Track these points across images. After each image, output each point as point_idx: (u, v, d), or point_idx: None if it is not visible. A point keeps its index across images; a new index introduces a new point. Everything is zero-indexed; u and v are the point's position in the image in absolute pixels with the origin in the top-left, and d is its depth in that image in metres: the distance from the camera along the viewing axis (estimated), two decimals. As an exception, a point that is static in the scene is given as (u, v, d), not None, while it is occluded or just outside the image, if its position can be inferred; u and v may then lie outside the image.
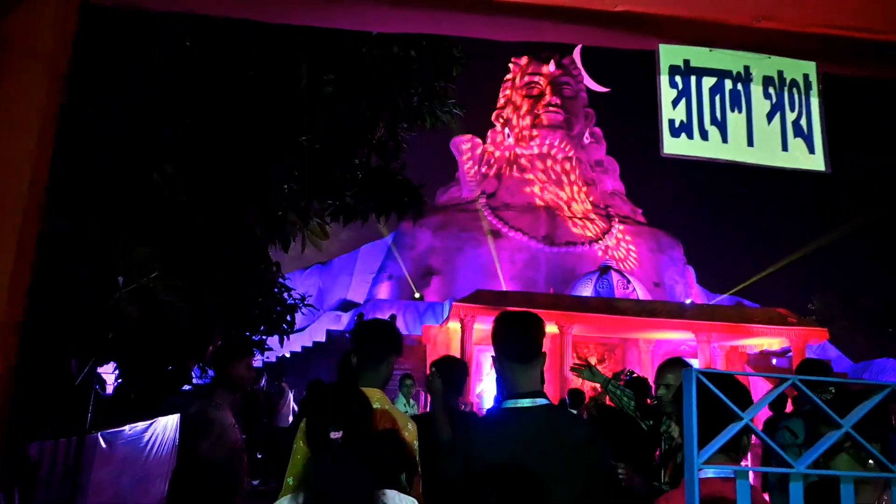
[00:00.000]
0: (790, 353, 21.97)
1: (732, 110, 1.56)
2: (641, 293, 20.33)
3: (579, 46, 34.13)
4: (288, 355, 20.95)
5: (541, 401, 2.11)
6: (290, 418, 11.53)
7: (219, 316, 5.28)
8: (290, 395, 12.08)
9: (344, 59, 4.81)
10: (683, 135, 1.53)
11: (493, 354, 2.29)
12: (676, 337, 20.51)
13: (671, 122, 1.53)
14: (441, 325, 21.13)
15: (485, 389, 21.08)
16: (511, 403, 2.11)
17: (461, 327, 17.68)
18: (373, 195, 6.21)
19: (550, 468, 1.91)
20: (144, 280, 4.22)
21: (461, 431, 2.20)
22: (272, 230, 5.65)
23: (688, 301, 20.52)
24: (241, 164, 4.89)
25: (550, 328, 18.63)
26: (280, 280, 6.40)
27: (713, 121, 1.55)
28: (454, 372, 3.63)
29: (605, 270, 20.55)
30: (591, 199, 31.36)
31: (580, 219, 29.90)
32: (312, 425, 2.00)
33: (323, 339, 21.92)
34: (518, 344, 2.15)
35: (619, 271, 20.96)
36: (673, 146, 1.54)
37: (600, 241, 28.82)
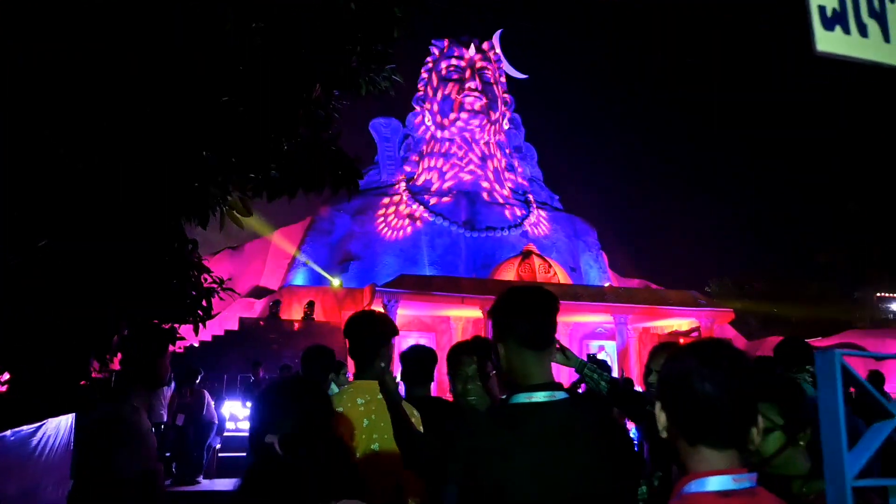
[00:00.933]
0: (696, 333, 23.09)
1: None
2: (562, 277, 20.61)
3: (499, 32, 34.23)
4: (197, 345, 19.67)
5: (560, 394, 1.73)
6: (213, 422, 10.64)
7: (122, 299, 4.55)
8: (208, 399, 10.88)
9: (277, 5, 4.19)
10: (838, 28, 1.16)
11: (496, 339, 1.89)
12: (595, 319, 20.99)
13: (821, 9, 1.15)
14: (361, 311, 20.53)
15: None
16: (525, 398, 1.71)
17: (384, 313, 17.19)
18: (301, 168, 5.59)
19: (587, 481, 1.53)
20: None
21: (459, 430, 1.78)
22: (187, 202, 4.95)
23: (606, 285, 21.05)
24: (148, 123, 4.18)
25: (473, 312, 18.51)
26: (196, 260, 5.67)
27: (871, 11, 1.18)
28: (421, 361, 3.28)
29: (527, 255, 20.66)
30: (510, 185, 31.58)
31: (500, 204, 30.03)
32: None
33: (235, 328, 20.75)
34: (540, 327, 1.75)
35: (540, 256, 21.14)
36: (827, 42, 1.16)
37: (520, 227, 29.08)
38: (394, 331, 2.64)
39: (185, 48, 4.02)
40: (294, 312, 22.99)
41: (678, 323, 20.80)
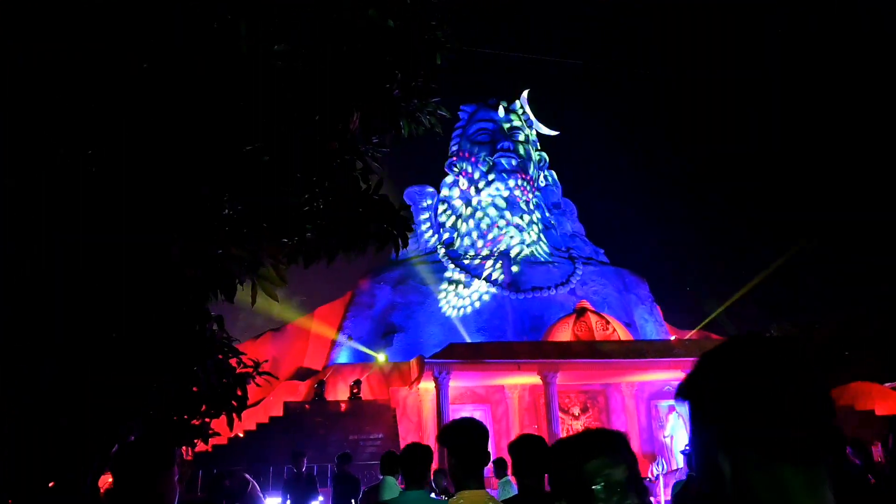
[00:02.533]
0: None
1: None
2: (622, 333, 19.19)
3: (525, 92, 34.19)
4: (241, 435, 18.70)
5: None
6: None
7: (135, 392, 3.66)
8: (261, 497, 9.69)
9: (299, 20, 3.44)
10: None
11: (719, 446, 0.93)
12: (661, 377, 19.33)
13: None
14: (411, 387, 19.38)
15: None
16: None
17: (435, 386, 16.01)
18: (340, 225, 4.71)
19: None
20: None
21: None
22: (209, 272, 4.11)
23: (672, 338, 19.51)
24: (156, 175, 3.41)
25: (531, 379, 17.17)
26: (224, 340, 4.78)
27: None
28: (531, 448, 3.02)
29: (581, 312, 19.38)
30: (551, 242, 30.62)
31: (543, 263, 28.99)
32: None
33: (280, 414, 19.75)
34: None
35: (596, 312, 19.82)
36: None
37: (566, 285, 27.87)
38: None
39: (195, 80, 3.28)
40: (340, 393, 21.96)
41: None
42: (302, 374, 27.89)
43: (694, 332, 31.08)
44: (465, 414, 20.98)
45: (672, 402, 20.66)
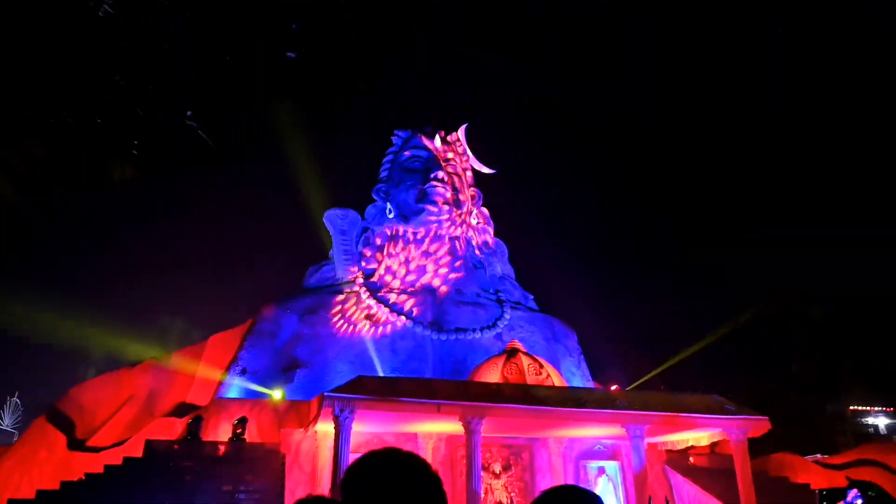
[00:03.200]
0: (714, 451, 19.34)
1: None
2: (556, 379, 16.94)
3: (464, 125, 32.67)
4: (83, 479, 14.78)
5: None
6: None
7: None
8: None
9: None
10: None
11: None
12: (596, 433, 17.14)
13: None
14: (307, 428, 16.21)
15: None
16: None
17: (335, 427, 13.02)
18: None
19: None
20: None
21: None
22: None
23: (613, 388, 17.50)
24: None
25: (451, 426, 14.50)
26: None
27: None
28: None
29: (512, 353, 17.05)
30: (480, 283, 28.49)
31: (470, 304, 26.69)
32: None
33: (139, 454, 15.98)
34: None
35: (529, 354, 17.55)
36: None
37: (493, 328, 25.64)
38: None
39: None
40: (223, 433, 18.42)
41: (697, 436, 17.11)
42: (182, 410, 23.78)
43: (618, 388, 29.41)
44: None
45: (602, 463, 18.44)
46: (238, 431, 16.75)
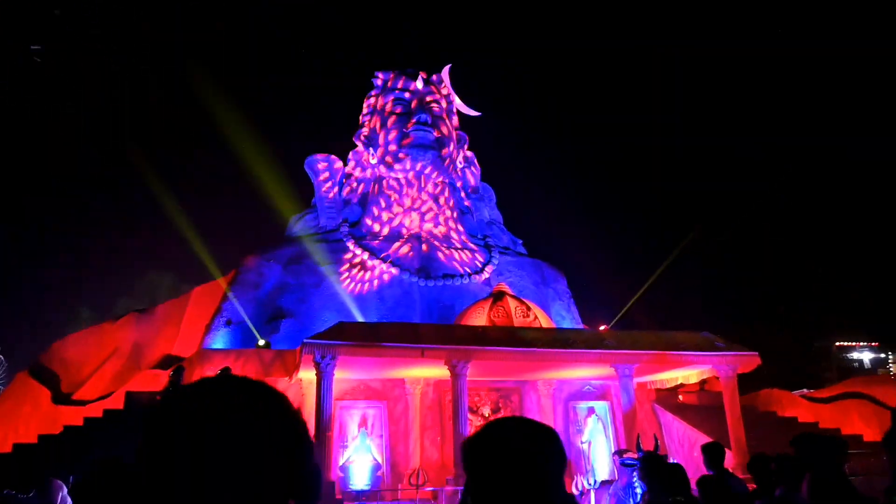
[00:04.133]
0: (703, 388, 19.31)
1: None
2: (544, 322, 16.66)
3: (448, 66, 31.46)
4: (62, 431, 14.49)
5: None
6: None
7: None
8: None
9: None
10: None
11: None
12: (586, 374, 16.98)
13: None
14: (291, 377, 15.93)
15: (351, 458, 15.97)
16: None
17: (317, 375, 12.68)
18: None
19: None
20: None
21: None
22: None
23: (602, 328, 17.26)
24: None
25: (437, 371, 14.21)
26: None
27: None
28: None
29: (499, 296, 16.68)
30: (467, 228, 27.97)
31: (457, 249, 26.23)
32: None
33: (120, 406, 15.69)
34: None
35: (516, 297, 17.19)
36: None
37: (481, 273, 25.26)
38: None
39: None
40: (207, 384, 18.10)
41: (686, 374, 17.00)
42: (168, 362, 23.50)
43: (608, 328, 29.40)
44: (355, 412, 17.81)
45: (591, 403, 18.38)
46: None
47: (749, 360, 14.88)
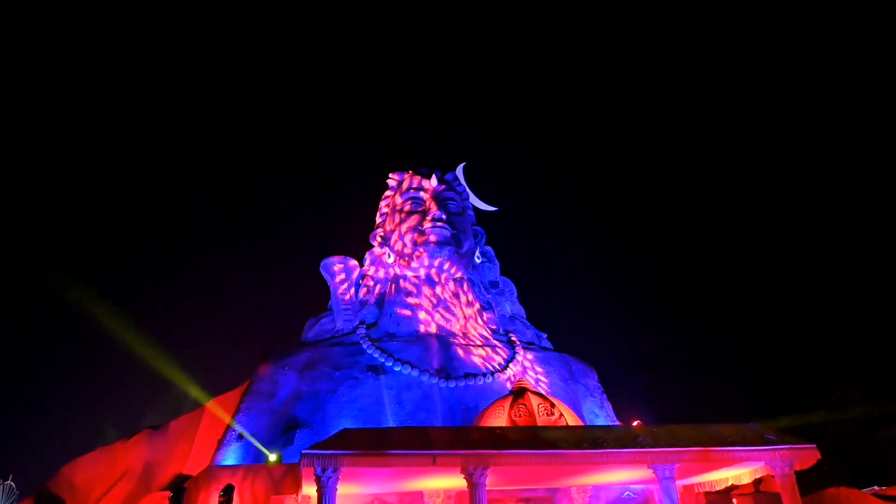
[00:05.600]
0: (759, 490, 17.26)
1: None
2: (571, 420, 15.22)
3: (462, 164, 31.86)
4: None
5: None
6: None
7: None
8: None
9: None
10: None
11: None
12: (622, 478, 15.25)
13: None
14: (296, 495, 14.61)
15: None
16: None
17: (318, 491, 11.44)
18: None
19: None
20: None
21: None
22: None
23: (635, 423, 15.70)
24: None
25: (454, 481, 12.81)
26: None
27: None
28: None
29: (520, 393, 15.42)
30: (489, 324, 26.96)
31: (479, 346, 25.11)
32: None
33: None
34: None
35: (538, 393, 15.88)
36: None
37: (505, 372, 23.95)
38: None
39: None
40: (213, 504, 16.81)
41: (737, 473, 15.14)
42: (179, 482, 22.21)
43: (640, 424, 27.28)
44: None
45: (633, 512, 16.45)
46: (222, 501, 15.15)
47: (807, 455, 13.15)
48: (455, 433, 12.36)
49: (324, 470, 11.14)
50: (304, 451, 11.37)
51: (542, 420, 14.34)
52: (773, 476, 15.28)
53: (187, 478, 22.03)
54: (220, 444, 22.60)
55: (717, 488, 16.57)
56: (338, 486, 11.50)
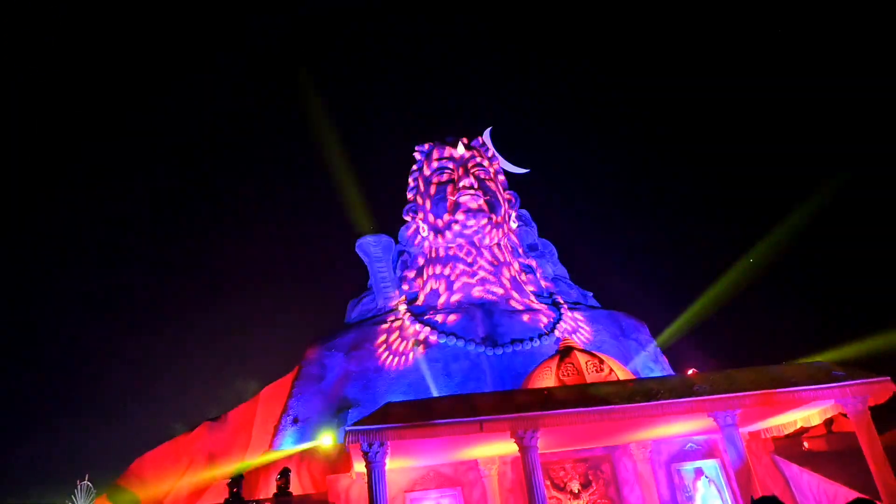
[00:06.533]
0: (831, 431, 16.37)
1: None
2: (621, 374, 14.64)
3: (489, 129, 31.05)
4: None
5: None
6: None
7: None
8: None
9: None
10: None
11: None
12: (682, 430, 14.64)
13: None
14: (351, 472, 14.57)
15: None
16: None
17: (366, 467, 11.28)
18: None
19: None
20: None
21: None
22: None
23: (690, 371, 15.00)
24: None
25: (506, 447, 12.47)
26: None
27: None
28: None
29: (566, 352, 14.90)
30: (531, 288, 26.41)
31: (523, 311, 24.60)
32: None
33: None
34: None
35: (586, 351, 15.33)
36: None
37: (552, 334, 23.41)
38: None
39: None
40: (274, 488, 17.01)
41: (806, 414, 14.32)
42: (241, 470, 22.69)
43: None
44: (428, 503, 16.03)
45: (698, 463, 15.84)
46: (280, 485, 15.26)
47: (881, 389, 12.25)
48: (501, 397, 11.99)
49: (370, 445, 10.95)
50: (347, 429, 11.21)
51: (591, 377, 13.82)
52: (844, 415, 14.41)
53: (248, 465, 22.49)
54: (277, 429, 22.94)
55: (786, 432, 15.77)
56: (386, 461, 11.31)
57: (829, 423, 15.87)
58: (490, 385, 21.72)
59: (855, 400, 12.15)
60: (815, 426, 15.43)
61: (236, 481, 15.48)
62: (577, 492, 15.33)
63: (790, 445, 16.36)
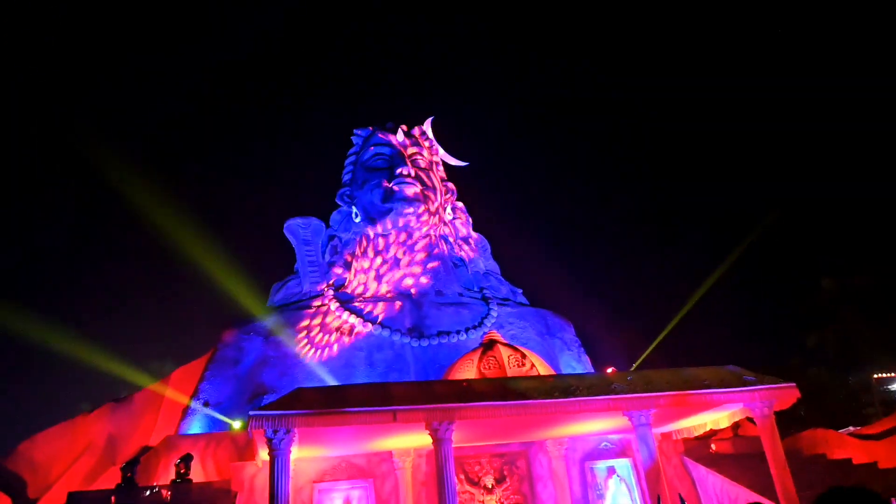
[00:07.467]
0: (737, 434, 16.89)
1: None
2: (542, 369, 14.55)
3: (430, 118, 30.58)
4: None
5: None
6: None
7: None
8: None
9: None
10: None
11: None
12: (598, 428, 14.71)
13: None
14: (257, 460, 13.84)
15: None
16: None
17: (269, 455, 10.64)
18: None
19: None
20: None
21: None
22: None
23: (609, 370, 15.09)
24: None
25: (422, 439, 12.10)
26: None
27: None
28: None
29: (489, 345, 14.69)
30: (461, 281, 26.21)
31: (452, 304, 24.35)
32: None
33: (61, 511, 13.56)
34: None
35: (509, 345, 15.18)
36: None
37: (479, 328, 23.27)
38: None
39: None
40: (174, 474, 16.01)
41: (716, 417, 14.67)
42: (144, 454, 21.38)
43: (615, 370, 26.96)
44: (337, 496, 15.45)
45: (611, 462, 15.98)
46: (182, 471, 14.34)
47: (786, 394, 12.63)
48: (418, 387, 11.59)
49: (275, 432, 10.31)
50: (251, 413, 10.53)
51: (512, 371, 13.65)
52: (750, 420, 14.85)
53: (150, 449, 21.22)
54: (185, 413, 21.77)
55: (696, 434, 16.16)
56: (293, 449, 10.70)
57: (735, 426, 16.37)
58: (413, 377, 21.34)
59: (762, 404, 12.48)
60: (723, 429, 15.85)
61: (130, 465, 14.44)
62: (490, 487, 15.16)
63: (699, 447, 16.76)
